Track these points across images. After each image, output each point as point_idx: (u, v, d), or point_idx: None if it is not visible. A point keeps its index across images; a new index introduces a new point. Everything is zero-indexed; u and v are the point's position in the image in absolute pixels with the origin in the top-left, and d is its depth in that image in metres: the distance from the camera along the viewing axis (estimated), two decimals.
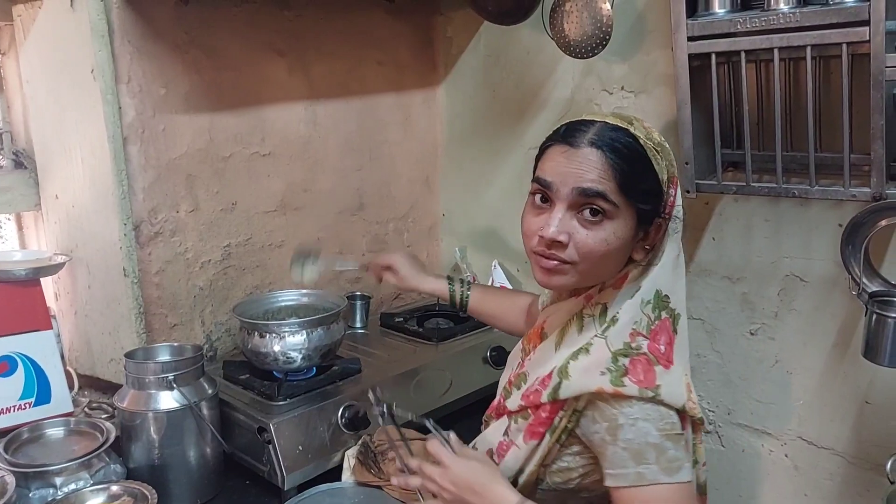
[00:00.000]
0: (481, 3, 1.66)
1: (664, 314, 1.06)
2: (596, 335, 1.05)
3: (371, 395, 1.22)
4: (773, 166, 1.40)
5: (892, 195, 1.27)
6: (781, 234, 1.61)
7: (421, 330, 1.89)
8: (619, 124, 1.04)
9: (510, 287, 2.04)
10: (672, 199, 1.07)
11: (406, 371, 1.67)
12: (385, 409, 1.20)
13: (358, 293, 1.98)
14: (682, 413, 1.02)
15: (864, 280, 1.33)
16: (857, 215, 1.31)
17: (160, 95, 1.59)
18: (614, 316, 1.05)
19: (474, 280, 2.16)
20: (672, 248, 1.09)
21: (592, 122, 1.04)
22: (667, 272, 1.08)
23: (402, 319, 1.95)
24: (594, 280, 1.09)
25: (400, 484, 1.18)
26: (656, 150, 1.04)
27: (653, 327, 1.05)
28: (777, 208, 1.61)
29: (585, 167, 1.00)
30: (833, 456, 1.62)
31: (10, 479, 1.19)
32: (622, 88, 1.80)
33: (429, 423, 1.12)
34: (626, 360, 1.01)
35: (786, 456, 1.70)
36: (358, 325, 1.98)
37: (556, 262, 1.04)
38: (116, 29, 1.48)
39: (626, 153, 1.01)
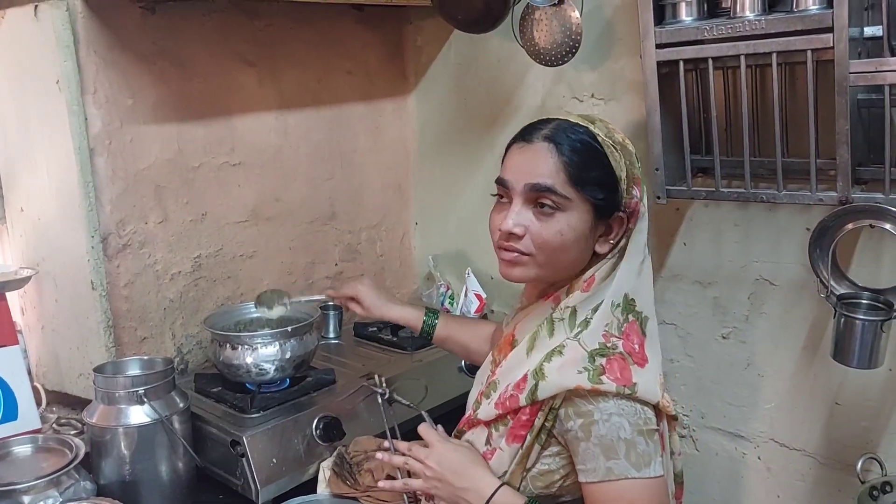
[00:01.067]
0: (450, 12, 1.66)
1: (631, 317, 1.08)
2: (568, 338, 1.07)
3: (376, 378, 1.37)
4: (743, 172, 1.42)
5: (858, 199, 1.30)
6: (751, 238, 1.64)
7: (395, 339, 1.88)
8: (579, 122, 1.09)
9: (484, 294, 2.04)
10: (635, 200, 1.10)
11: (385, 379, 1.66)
12: (386, 393, 1.36)
13: (331, 303, 1.97)
14: (657, 409, 1.06)
15: (833, 283, 1.35)
16: (823, 219, 1.33)
17: (127, 106, 1.57)
18: (586, 318, 1.07)
19: (448, 288, 2.16)
20: (637, 251, 1.11)
21: (550, 120, 1.11)
22: (632, 275, 1.10)
23: (375, 329, 1.94)
24: (556, 273, 1.11)
25: (384, 460, 1.21)
26: (614, 147, 1.08)
27: (623, 328, 1.07)
28: (746, 213, 1.63)
29: (537, 161, 1.06)
30: (805, 457, 1.65)
31: None
32: (592, 96, 1.82)
33: (424, 413, 1.26)
34: (602, 360, 1.03)
35: (759, 458, 1.72)
36: (331, 335, 1.97)
37: (515, 255, 1.09)
38: (82, 39, 1.46)
39: (578, 146, 1.06)
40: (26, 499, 1.26)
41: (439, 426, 1.22)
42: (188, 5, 1.61)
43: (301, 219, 1.96)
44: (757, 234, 1.63)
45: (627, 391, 1.02)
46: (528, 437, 1.07)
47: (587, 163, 1.06)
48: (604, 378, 1.01)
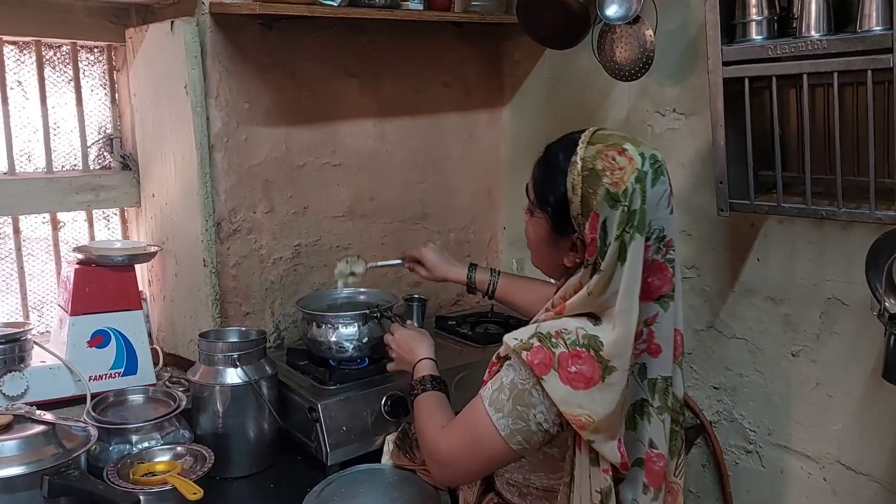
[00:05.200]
0: (535, 28, 1.77)
1: (592, 352, 1.09)
2: (537, 319, 1.21)
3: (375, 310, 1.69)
4: (816, 189, 1.44)
5: None
6: (824, 257, 1.63)
7: (471, 333, 2.00)
8: (582, 138, 1.13)
9: None
10: (590, 236, 1.10)
11: (450, 368, 1.77)
12: (378, 313, 1.70)
13: (416, 296, 2.12)
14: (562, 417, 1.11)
15: (891, 301, 1.35)
16: (879, 237, 1.33)
17: (244, 109, 1.79)
18: (561, 315, 1.17)
19: None
20: (610, 297, 1.10)
21: (576, 132, 1.18)
22: (605, 330, 1.10)
23: (454, 323, 2.08)
24: (541, 267, 1.28)
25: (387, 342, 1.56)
26: (583, 172, 1.10)
27: (577, 350, 1.09)
28: (820, 231, 1.63)
29: (534, 165, 1.22)
30: (871, 482, 1.62)
31: (94, 432, 1.39)
32: (674, 110, 1.87)
33: (397, 318, 1.65)
34: (536, 342, 1.12)
35: (824, 479, 1.70)
36: (415, 325, 2.11)
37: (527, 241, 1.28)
38: (208, 50, 1.70)
39: (548, 159, 1.17)
40: (134, 438, 1.49)
41: (409, 321, 1.63)
42: (301, 22, 1.82)
43: (393, 217, 2.13)
44: (830, 253, 1.62)
45: (535, 376, 1.10)
46: (488, 380, 1.23)
47: (548, 176, 1.16)
48: (525, 353, 1.12)
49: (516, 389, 1.13)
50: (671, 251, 1.15)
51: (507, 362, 1.17)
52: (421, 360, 1.45)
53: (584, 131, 1.16)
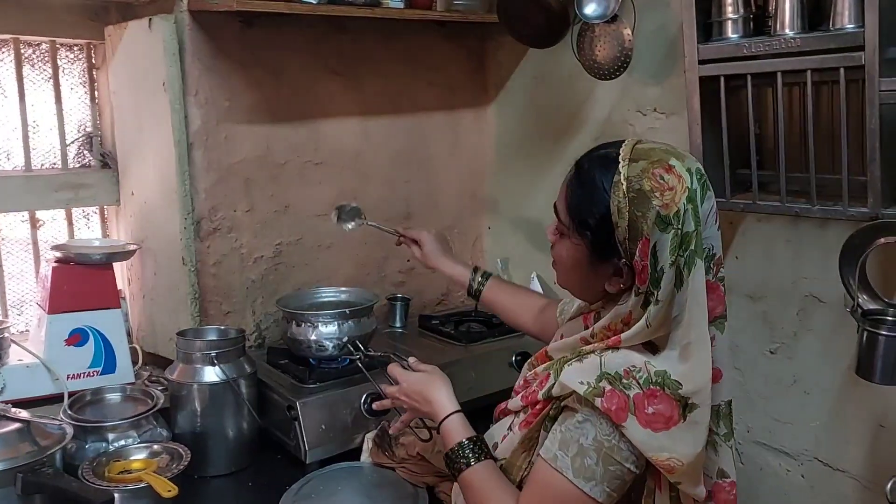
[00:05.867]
0: (516, 28, 1.78)
1: (668, 391, 1.02)
2: (594, 351, 1.09)
3: (350, 348, 1.54)
4: (794, 188, 1.45)
5: (889, 215, 1.30)
6: (801, 255, 1.64)
7: (453, 332, 2.00)
8: (621, 154, 1.04)
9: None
10: (641, 263, 1.02)
11: None
12: (361, 355, 1.53)
13: (399, 295, 2.13)
14: (647, 461, 1.03)
15: (864, 297, 1.36)
16: (853, 234, 1.34)
17: (224, 107, 1.79)
18: (618, 346, 1.07)
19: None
20: (680, 329, 1.03)
21: (607, 145, 1.09)
22: (671, 361, 1.03)
23: (438, 322, 2.08)
24: (573, 290, 1.18)
25: (379, 408, 1.41)
26: (629, 193, 1.01)
27: (652, 388, 1.02)
28: (797, 229, 1.64)
29: (563, 184, 1.12)
30: (848, 479, 1.63)
31: (70, 430, 1.39)
32: (655, 110, 1.88)
33: (392, 355, 1.40)
34: (607, 386, 1.02)
35: (802, 476, 1.71)
36: (398, 324, 2.12)
37: (553, 260, 1.18)
38: (187, 48, 1.70)
39: (584, 179, 1.06)
40: (111, 436, 1.48)
41: (410, 357, 1.36)
42: (282, 20, 1.82)
43: (377, 216, 2.10)
44: (807, 251, 1.63)
45: (614, 422, 1.01)
46: (535, 423, 1.14)
47: (587, 198, 1.05)
48: (597, 400, 1.02)
49: (603, 449, 1.02)
50: (721, 269, 1.10)
51: (577, 417, 1.04)
52: (448, 416, 1.22)
53: (618, 144, 1.06)
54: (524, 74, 2.24)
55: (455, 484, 1.26)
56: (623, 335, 1.06)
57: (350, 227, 1.75)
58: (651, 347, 1.06)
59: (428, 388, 1.27)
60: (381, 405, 1.39)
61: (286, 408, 1.59)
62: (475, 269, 1.62)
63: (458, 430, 1.20)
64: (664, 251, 1.00)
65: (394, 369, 1.34)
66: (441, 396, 1.24)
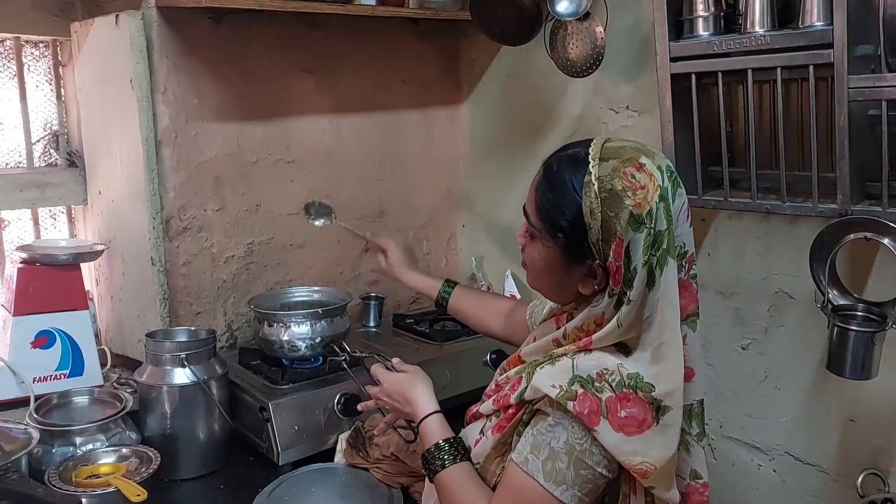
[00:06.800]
0: (487, 25, 1.78)
1: (641, 394, 1.01)
2: (566, 354, 1.07)
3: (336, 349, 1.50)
4: (765, 184, 1.46)
5: (859, 211, 1.32)
6: (772, 251, 1.66)
7: (427, 331, 1.99)
8: (591, 153, 1.03)
9: (518, 296, 2.13)
10: (615, 264, 1.01)
11: None
12: (347, 357, 1.49)
13: (373, 294, 2.11)
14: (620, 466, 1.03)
15: (834, 293, 1.37)
16: (822, 230, 1.35)
17: (193, 105, 1.76)
18: (590, 347, 1.06)
19: (489, 289, 2.26)
20: (652, 331, 1.02)
21: (576, 144, 1.07)
22: (642, 360, 1.03)
23: (412, 321, 2.07)
24: (545, 292, 1.17)
25: (364, 408, 1.39)
26: (602, 196, 1.00)
27: (625, 392, 1.01)
28: (768, 226, 1.66)
29: (532, 186, 1.10)
30: (819, 472, 1.64)
31: (36, 434, 1.36)
32: (627, 107, 1.88)
33: (376, 356, 1.39)
34: (579, 389, 1.01)
35: (774, 471, 1.72)
36: (372, 324, 2.10)
37: (523, 261, 1.16)
38: (155, 44, 1.67)
39: (553, 180, 1.04)
40: (78, 440, 1.45)
41: (394, 358, 1.37)
42: (251, 16, 1.79)
43: (350, 215, 2.11)
44: (778, 248, 1.64)
45: (586, 426, 1.00)
46: (508, 428, 1.12)
47: (557, 200, 1.03)
48: (570, 403, 1.00)
49: (574, 453, 1.01)
50: (693, 267, 1.09)
51: (549, 420, 1.03)
52: (427, 416, 1.22)
53: (587, 143, 1.05)
54: (498, 72, 2.23)
55: (427, 485, 1.25)
56: (594, 336, 1.05)
57: (318, 224, 1.74)
58: (623, 349, 1.05)
59: (409, 388, 1.27)
60: (366, 406, 1.38)
61: (258, 409, 1.57)
62: (442, 281, 1.61)
63: (436, 430, 1.19)
64: (637, 251, 0.99)
65: (377, 370, 1.34)
66: (421, 397, 1.24)
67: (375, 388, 1.33)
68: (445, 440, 1.17)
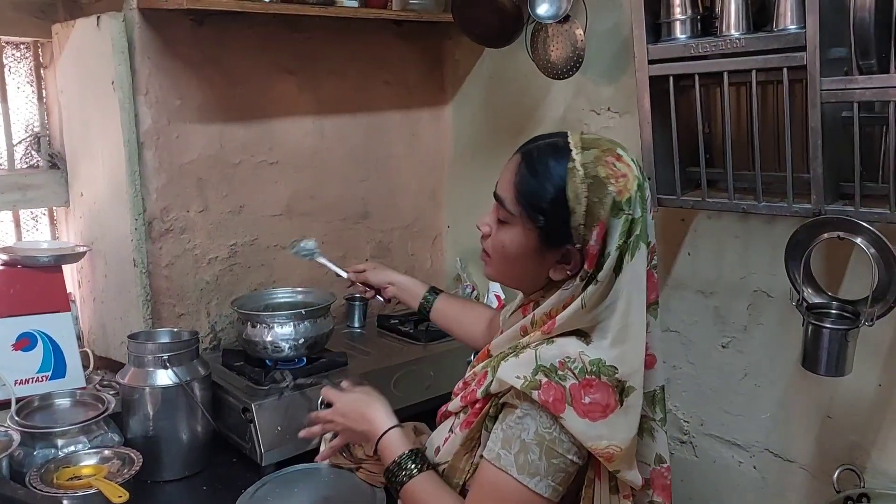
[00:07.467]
0: (469, 27, 1.79)
1: (604, 378, 1.03)
2: (530, 345, 1.09)
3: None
4: (742, 185, 1.48)
5: (832, 211, 1.34)
6: (750, 250, 1.68)
7: (412, 332, 2.00)
8: (571, 142, 1.05)
9: (503, 296, 2.14)
10: (593, 246, 1.03)
11: (389, 366, 1.79)
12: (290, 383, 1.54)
13: (357, 294, 2.11)
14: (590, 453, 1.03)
15: (809, 291, 1.39)
16: (797, 230, 1.37)
17: (175, 106, 1.76)
18: (552, 339, 1.08)
19: (474, 289, 2.27)
20: (615, 317, 1.04)
21: (552, 135, 1.09)
22: (601, 349, 1.04)
23: (397, 321, 2.07)
24: (511, 282, 1.17)
25: (306, 436, 1.32)
26: (585, 180, 1.02)
27: (587, 378, 1.02)
28: (746, 226, 1.68)
29: (507, 172, 1.11)
30: (798, 469, 1.67)
31: (17, 436, 1.36)
32: (608, 109, 1.90)
33: (324, 381, 1.40)
34: (543, 379, 1.02)
35: (754, 468, 1.74)
36: (356, 325, 2.11)
37: (483, 252, 1.17)
38: (137, 46, 1.67)
39: (534, 165, 1.05)
40: (60, 442, 1.45)
41: (343, 381, 1.34)
42: (233, 18, 1.80)
43: (334, 216, 2.12)
44: (756, 247, 1.67)
45: (552, 414, 1.01)
46: (476, 424, 1.13)
47: (540, 185, 1.04)
48: (534, 392, 1.02)
49: (545, 443, 1.02)
50: (655, 256, 1.11)
51: (517, 412, 1.04)
52: (387, 431, 1.20)
53: (562, 134, 1.08)
54: (481, 74, 2.25)
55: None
56: (558, 317, 1.06)
57: (294, 252, 1.70)
58: (584, 338, 1.06)
59: (364, 405, 1.24)
60: (310, 433, 1.32)
61: (241, 410, 1.57)
62: (426, 287, 1.59)
63: (396, 444, 1.18)
64: (614, 236, 1.03)
65: (328, 391, 1.31)
66: (379, 413, 1.22)
67: (326, 410, 1.29)
68: (408, 452, 1.16)
